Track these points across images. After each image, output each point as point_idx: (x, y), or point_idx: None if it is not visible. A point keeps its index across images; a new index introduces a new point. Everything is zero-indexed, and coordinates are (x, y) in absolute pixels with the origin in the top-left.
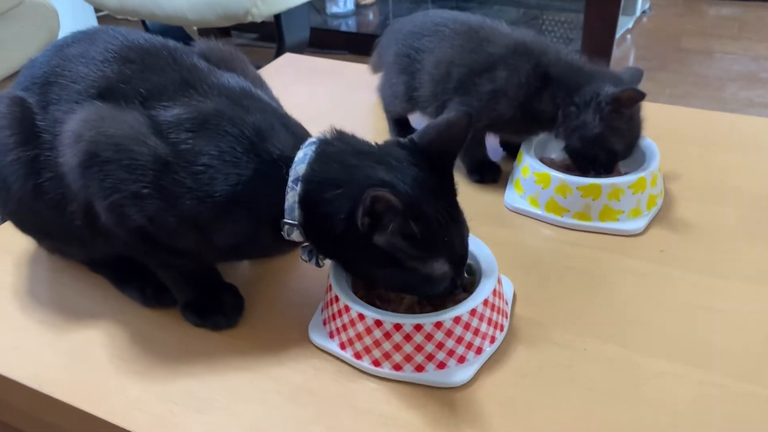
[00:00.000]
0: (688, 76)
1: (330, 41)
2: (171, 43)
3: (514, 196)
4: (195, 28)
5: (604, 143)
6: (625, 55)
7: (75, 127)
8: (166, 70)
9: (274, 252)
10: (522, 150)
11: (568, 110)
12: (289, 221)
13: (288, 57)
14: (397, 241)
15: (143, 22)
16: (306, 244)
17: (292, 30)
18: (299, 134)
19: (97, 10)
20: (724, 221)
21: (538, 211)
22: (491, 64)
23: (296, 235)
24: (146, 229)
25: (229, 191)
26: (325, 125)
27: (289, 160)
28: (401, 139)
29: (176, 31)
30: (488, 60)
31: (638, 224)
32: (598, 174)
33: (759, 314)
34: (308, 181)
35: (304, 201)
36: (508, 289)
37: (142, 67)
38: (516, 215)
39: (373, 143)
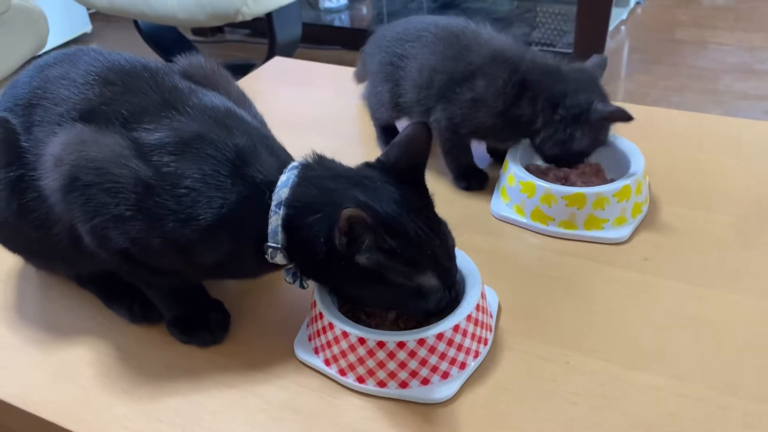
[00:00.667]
0: (683, 68)
1: (323, 37)
2: (152, 63)
3: (500, 204)
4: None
5: (584, 152)
6: (618, 47)
7: (56, 150)
8: (147, 92)
9: (258, 273)
10: (508, 158)
11: (549, 118)
12: (273, 244)
13: (277, 61)
14: (379, 258)
15: (135, 22)
16: (290, 266)
17: (284, 28)
18: (282, 157)
19: (88, 9)
20: (711, 227)
21: (524, 220)
22: (470, 73)
23: (280, 258)
24: (129, 251)
25: (213, 214)
26: (314, 132)
27: (272, 184)
28: (370, 162)
29: (169, 30)
30: (467, 69)
31: (623, 232)
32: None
33: (744, 325)
34: (290, 205)
35: (286, 225)
36: (492, 301)
37: (123, 89)
38: (502, 223)
39: (348, 167)
